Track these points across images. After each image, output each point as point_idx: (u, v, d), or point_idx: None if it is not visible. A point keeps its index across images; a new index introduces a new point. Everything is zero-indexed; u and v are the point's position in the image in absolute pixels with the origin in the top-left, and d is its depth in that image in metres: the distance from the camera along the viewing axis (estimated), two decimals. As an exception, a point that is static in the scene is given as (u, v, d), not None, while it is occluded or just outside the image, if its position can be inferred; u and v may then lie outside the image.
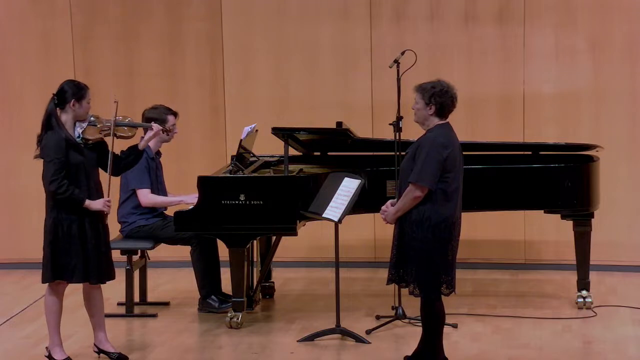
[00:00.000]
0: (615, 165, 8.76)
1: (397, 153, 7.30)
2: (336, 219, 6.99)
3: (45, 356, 6.74)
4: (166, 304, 8.21)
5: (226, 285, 7.89)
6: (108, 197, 6.58)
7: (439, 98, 6.19)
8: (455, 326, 7.39)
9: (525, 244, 9.18)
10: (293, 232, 7.40)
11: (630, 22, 8.88)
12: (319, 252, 9.16)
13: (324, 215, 7.09)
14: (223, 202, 7.33)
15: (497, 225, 9.08)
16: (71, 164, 6.48)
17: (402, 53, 7.47)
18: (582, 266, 7.85)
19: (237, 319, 7.48)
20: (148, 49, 9.41)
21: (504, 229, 9.13)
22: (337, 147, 8.18)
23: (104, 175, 6.65)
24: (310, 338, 7.18)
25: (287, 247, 8.55)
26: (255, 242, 8.03)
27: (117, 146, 6.77)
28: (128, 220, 7.92)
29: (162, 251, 8.38)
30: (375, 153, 8.13)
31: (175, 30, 9.39)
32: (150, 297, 8.30)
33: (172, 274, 9.10)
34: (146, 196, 7.87)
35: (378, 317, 7.58)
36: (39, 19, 9.42)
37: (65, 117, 6.57)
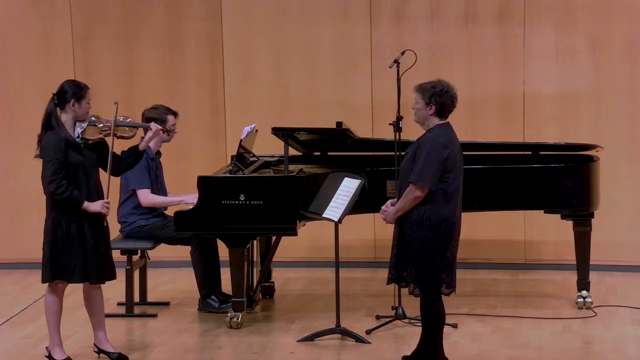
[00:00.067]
0: (615, 165, 8.76)
1: (397, 153, 7.30)
2: (336, 219, 6.99)
3: (45, 356, 6.74)
4: (166, 304, 8.21)
5: (226, 285, 7.89)
6: (107, 198, 6.58)
7: (439, 98, 6.19)
8: (455, 326, 7.39)
9: (525, 244, 9.18)
10: (293, 232, 7.40)
11: (630, 22, 8.88)
12: (319, 252, 9.16)
13: (324, 215, 7.08)
14: (223, 202, 7.33)
15: (497, 225, 9.08)
16: (70, 164, 6.48)
17: (402, 53, 7.47)
18: (582, 266, 7.85)
19: (237, 319, 7.48)
20: (148, 49, 9.41)
21: (504, 229, 9.13)
22: (337, 147, 8.18)
23: (104, 176, 6.65)
24: (310, 338, 7.18)
25: (287, 247, 8.55)
26: (255, 242, 8.03)
27: (118, 146, 6.77)
28: (128, 220, 7.91)
29: (162, 251, 8.38)
30: (375, 153, 8.13)
31: (175, 30, 9.39)
32: (150, 297, 8.30)
33: (172, 274, 9.10)
34: (146, 196, 7.87)
35: (378, 317, 7.58)
36: (39, 19, 9.42)
37: (65, 117, 6.57)
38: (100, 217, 6.57)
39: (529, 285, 8.69)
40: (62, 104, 6.55)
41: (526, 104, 9.05)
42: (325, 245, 8.70)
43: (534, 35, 9.02)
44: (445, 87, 6.23)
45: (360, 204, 7.23)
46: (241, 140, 7.69)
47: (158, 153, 8.06)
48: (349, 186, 7.07)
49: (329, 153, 8.27)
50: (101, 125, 6.63)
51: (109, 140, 6.63)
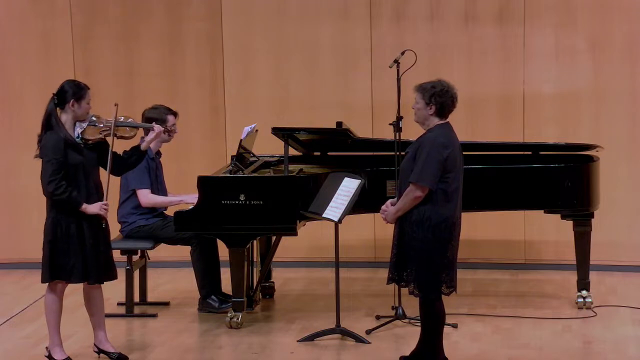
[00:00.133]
0: (615, 165, 8.76)
1: (397, 153, 7.30)
2: (336, 219, 6.99)
3: (45, 356, 6.74)
4: (166, 304, 8.21)
5: (226, 285, 7.89)
6: (106, 199, 6.57)
7: (439, 98, 6.19)
8: (455, 326, 7.39)
9: (525, 244, 9.18)
10: (293, 232, 7.40)
11: (630, 22, 8.88)
12: (319, 252, 9.16)
13: (324, 215, 7.08)
14: (223, 202, 7.33)
15: (497, 225, 9.08)
16: (70, 164, 6.48)
17: (402, 53, 7.47)
18: (582, 266, 7.85)
19: (237, 319, 7.48)
20: (148, 49, 9.41)
21: (504, 229, 9.13)
22: (337, 147, 8.18)
23: (104, 175, 6.65)
24: (310, 338, 7.18)
25: (287, 247, 8.55)
26: (255, 242, 8.03)
27: (119, 147, 6.77)
28: (128, 220, 7.91)
29: (162, 251, 8.38)
30: (375, 153, 8.13)
31: (175, 30, 9.39)
32: (150, 297, 8.30)
33: (172, 274, 9.10)
34: (146, 196, 7.87)
35: (378, 317, 7.58)
36: (39, 19, 9.42)
37: (65, 117, 6.57)
38: (99, 218, 6.57)
39: (529, 285, 8.69)
40: (62, 104, 6.55)
41: (526, 104, 9.05)
42: (325, 245, 8.69)
43: (534, 35, 9.02)
44: (445, 87, 6.23)
45: (360, 204, 7.23)
46: (241, 140, 7.69)
47: (158, 153, 8.06)
48: (349, 186, 7.07)
49: (329, 153, 8.27)
50: (101, 125, 6.62)
51: (109, 140, 6.63)
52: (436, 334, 6.30)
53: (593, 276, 8.07)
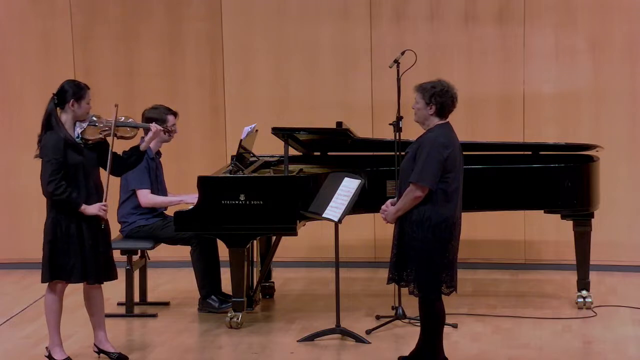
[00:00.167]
0: (615, 165, 8.76)
1: (397, 153, 7.30)
2: (336, 219, 6.99)
3: (45, 356, 6.74)
4: (166, 304, 8.21)
5: (226, 285, 7.89)
6: (105, 200, 6.56)
7: (440, 98, 6.19)
8: (455, 326, 7.39)
9: (525, 244, 9.18)
10: (293, 232, 7.40)
11: (630, 22, 8.88)
12: (319, 252, 9.16)
13: (324, 215, 7.08)
14: (223, 202, 7.33)
15: (497, 225, 9.08)
16: (70, 164, 6.48)
17: (402, 53, 7.47)
18: (582, 266, 7.85)
19: (237, 319, 7.48)
20: (148, 49, 9.41)
21: (504, 229, 9.13)
22: (337, 147, 8.18)
23: (104, 176, 6.64)
24: (310, 338, 7.18)
25: (287, 247, 8.55)
26: (255, 242, 8.03)
27: (119, 147, 6.76)
28: (128, 220, 7.91)
29: (162, 251, 8.38)
30: (375, 153, 8.13)
31: (175, 30, 9.39)
32: (150, 297, 8.30)
33: (172, 274, 9.10)
34: (146, 196, 7.87)
35: (378, 317, 7.58)
36: (39, 19, 9.42)
37: (65, 117, 6.57)
38: (98, 219, 6.56)
39: (529, 285, 8.69)
40: (62, 104, 6.55)
41: (526, 104, 9.05)
42: (325, 245, 8.69)
43: (534, 35, 9.02)
44: (445, 87, 6.23)
45: (360, 204, 7.23)
46: (241, 140, 7.68)
47: (158, 153, 8.06)
48: (349, 186, 7.07)
49: (329, 153, 8.27)
50: (101, 125, 6.62)
51: (109, 140, 6.62)
52: (436, 334, 6.30)
53: (593, 276, 8.07)
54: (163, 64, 9.41)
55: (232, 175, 7.56)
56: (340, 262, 7.20)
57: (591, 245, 7.84)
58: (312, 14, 9.27)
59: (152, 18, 9.40)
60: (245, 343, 7.18)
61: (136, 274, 8.04)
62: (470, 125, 9.00)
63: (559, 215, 7.85)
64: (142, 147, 6.78)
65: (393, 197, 6.44)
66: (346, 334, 7.16)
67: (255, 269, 8.20)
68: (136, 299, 8.06)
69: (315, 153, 8.29)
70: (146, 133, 6.95)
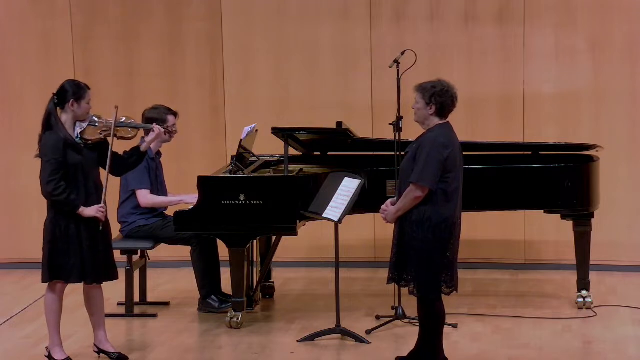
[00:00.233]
0: (615, 165, 8.76)
1: (397, 153, 7.30)
2: (336, 219, 6.99)
3: (45, 356, 6.74)
4: (166, 304, 8.21)
5: (226, 285, 7.89)
6: (103, 202, 6.55)
7: (440, 98, 6.19)
8: (455, 326, 7.39)
9: (525, 244, 9.18)
10: (293, 232, 7.40)
11: (630, 22, 8.88)
12: (319, 252, 9.16)
13: (324, 215, 7.08)
14: (223, 202, 7.33)
15: (497, 225, 9.08)
16: (69, 164, 6.47)
17: (402, 53, 7.47)
18: (582, 266, 7.85)
19: (237, 319, 7.48)
20: (148, 49, 9.41)
21: (504, 229, 9.13)
22: (337, 147, 8.18)
23: (105, 176, 6.65)
24: (310, 338, 7.18)
25: (287, 247, 8.55)
26: (255, 242, 8.03)
27: (119, 147, 6.76)
28: (128, 220, 7.91)
29: (162, 251, 8.38)
30: (375, 153, 8.13)
31: (175, 30, 9.39)
32: (150, 297, 8.30)
33: (172, 274, 9.10)
34: (145, 197, 7.87)
35: (378, 317, 7.58)
36: (39, 19, 9.42)
37: (65, 117, 6.56)
38: (96, 219, 6.55)
39: (529, 285, 8.69)
40: (62, 104, 6.55)
41: (526, 104, 9.05)
42: (325, 245, 8.69)
43: (534, 35, 9.02)
44: (445, 87, 6.23)
45: (360, 204, 7.23)
46: (241, 140, 7.68)
47: (158, 153, 8.06)
48: (349, 186, 7.07)
49: (329, 153, 8.27)
50: (102, 125, 6.62)
51: (109, 140, 6.62)
52: (436, 334, 6.30)
53: (593, 276, 8.07)
54: (163, 64, 9.41)
55: (232, 175, 7.56)
56: (340, 262, 7.20)
57: (591, 245, 7.84)
58: (312, 14, 9.27)
59: (152, 18, 9.40)
60: (245, 343, 7.18)
61: (136, 274, 8.04)
62: (470, 125, 9.00)
63: (559, 215, 7.85)
64: (142, 148, 6.78)
65: (393, 197, 6.44)
66: (346, 334, 7.16)
67: (255, 269, 8.20)
68: (136, 299, 8.06)
69: (315, 153, 8.29)
70: (146, 134, 6.95)
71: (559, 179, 7.68)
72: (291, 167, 7.77)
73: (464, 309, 7.83)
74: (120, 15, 9.40)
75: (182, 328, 7.58)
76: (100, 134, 6.60)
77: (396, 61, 7.44)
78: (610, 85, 8.93)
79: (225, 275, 7.74)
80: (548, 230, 8.99)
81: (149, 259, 8.24)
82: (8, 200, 9.55)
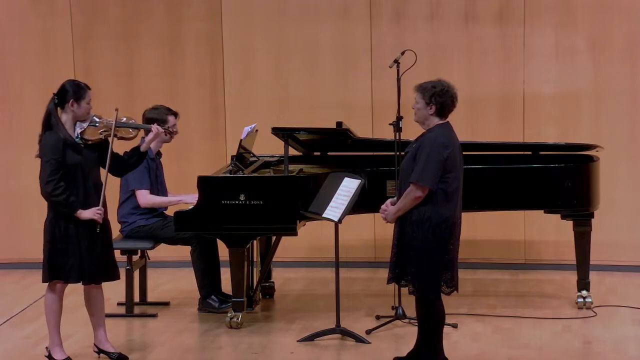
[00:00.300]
0: (615, 165, 8.76)
1: (397, 153, 7.30)
2: (336, 219, 6.99)
3: (45, 356, 6.74)
4: (166, 304, 8.21)
5: (226, 285, 7.89)
6: (101, 204, 6.53)
7: (440, 98, 6.19)
8: (455, 326, 7.39)
9: (525, 244, 9.18)
10: (293, 232, 7.40)
11: (630, 22, 8.88)
12: (319, 252, 9.16)
13: (324, 215, 7.08)
14: (223, 202, 7.33)
15: (497, 225, 9.08)
16: (68, 165, 6.47)
17: (402, 53, 7.47)
18: (582, 266, 7.85)
19: (237, 319, 7.48)
20: (148, 49, 9.41)
21: (504, 229, 9.13)
22: (337, 147, 8.18)
23: (110, 178, 6.65)
24: (310, 338, 7.18)
25: (287, 247, 8.55)
26: (255, 242, 8.03)
27: (119, 147, 6.76)
28: (128, 220, 7.91)
29: (162, 251, 8.38)
30: (375, 153, 8.13)
31: (175, 30, 9.39)
32: (150, 297, 8.30)
33: (172, 274, 9.10)
34: (145, 197, 7.86)
35: (378, 317, 7.58)
36: (39, 19, 9.42)
37: (66, 117, 6.56)
38: (94, 221, 6.54)
39: (529, 285, 8.69)
40: (62, 104, 6.55)
41: (526, 104, 9.05)
42: (325, 245, 8.69)
43: (534, 35, 9.02)
44: (445, 86, 6.23)
45: (360, 204, 7.23)
46: (241, 140, 7.68)
47: (158, 153, 8.06)
48: (349, 186, 7.07)
49: (329, 153, 8.27)
50: (102, 125, 6.62)
51: (110, 141, 6.61)
52: (436, 334, 6.30)
53: (593, 276, 8.07)
54: (163, 64, 9.41)
55: (232, 175, 7.56)
56: (340, 262, 7.20)
57: (591, 245, 7.84)
58: (312, 14, 9.27)
59: (152, 18, 9.40)
60: (245, 343, 7.18)
61: (136, 274, 8.04)
62: (470, 125, 9.00)
63: (559, 215, 7.85)
64: (142, 148, 6.78)
65: (393, 197, 6.44)
66: (346, 334, 7.16)
67: (255, 269, 8.20)
68: (136, 299, 8.06)
69: (315, 153, 8.29)
70: (147, 134, 6.94)
71: (559, 179, 7.68)
72: (291, 167, 7.77)
73: (464, 309, 7.83)
74: (120, 15, 9.40)
75: (182, 328, 7.59)
76: (101, 134, 6.60)
77: (396, 61, 7.44)
78: (610, 85, 8.93)
79: (225, 275, 7.74)
80: (548, 230, 8.99)
81: (149, 259, 8.24)
82: (8, 200, 9.55)
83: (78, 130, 6.57)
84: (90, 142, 6.59)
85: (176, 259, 8.94)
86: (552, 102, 9.03)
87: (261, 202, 7.31)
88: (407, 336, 7.12)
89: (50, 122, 6.52)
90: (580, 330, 7.35)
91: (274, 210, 7.32)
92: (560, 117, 9.02)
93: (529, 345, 7.03)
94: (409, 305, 7.30)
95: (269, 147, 8.22)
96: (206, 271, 7.88)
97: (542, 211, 7.84)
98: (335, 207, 7.03)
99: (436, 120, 6.23)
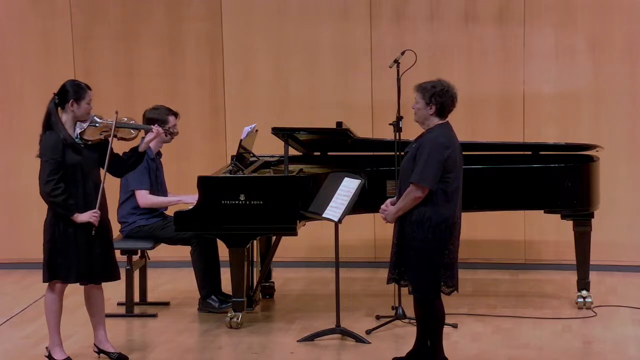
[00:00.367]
0: (615, 165, 8.76)
1: (397, 153, 7.30)
2: (336, 219, 6.99)
3: (45, 356, 6.74)
4: (166, 304, 8.21)
5: (226, 285, 7.89)
6: (97, 208, 6.52)
7: (440, 98, 6.20)
8: (455, 326, 7.39)
9: (525, 244, 9.18)
10: (293, 232, 7.40)
11: (630, 22, 8.88)
12: (319, 252, 9.16)
13: (324, 215, 7.08)
14: (223, 202, 7.33)
15: (497, 225, 9.08)
16: (68, 165, 6.47)
17: (402, 53, 7.47)
18: (582, 266, 7.85)
19: (237, 319, 7.48)
20: (148, 49, 9.41)
21: (504, 229, 9.13)
22: (337, 147, 8.18)
23: (110, 178, 6.65)
24: (310, 338, 7.18)
25: (287, 247, 8.55)
26: (255, 242, 8.03)
27: (119, 148, 6.76)
28: (128, 221, 7.91)
29: (162, 251, 8.38)
30: (375, 153, 8.13)
31: (175, 30, 9.39)
32: (150, 297, 8.30)
33: (172, 274, 9.10)
34: (144, 197, 7.86)
35: (378, 317, 7.58)
36: (39, 19, 9.42)
37: (66, 117, 6.56)
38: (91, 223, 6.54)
39: (529, 285, 8.69)
40: (62, 104, 6.55)
41: (526, 104, 9.05)
42: (325, 245, 8.69)
43: (534, 35, 9.02)
44: (445, 86, 6.23)
45: (360, 204, 7.23)
46: (241, 140, 7.68)
47: (159, 154, 8.06)
48: (349, 186, 7.07)
49: (329, 153, 8.27)
50: (102, 126, 6.62)
51: (110, 141, 6.61)
52: (436, 333, 6.31)
53: (593, 276, 8.07)
54: (163, 64, 9.41)
55: (232, 175, 7.56)
56: (340, 262, 7.20)
57: (591, 245, 7.84)
58: (312, 14, 9.27)
59: (152, 18, 9.40)
60: (245, 343, 7.18)
61: (136, 274, 8.04)
62: (470, 125, 9.00)
63: (559, 215, 7.85)
64: (140, 148, 6.76)
65: (393, 197, 6.44)
66: (346, 334, 7.16)
67: (255, 269, 8.20)
68: (136, 299, 8.06)
69: (315, 153, 8.29)
70: (147, 134, 6.94)
71: (559, 179, 7.68)
72: (291, 167, 7.77)
73: (464, 309, 7.83)
74: (120, 15, 9.40)
75: (182, 328, 7.59)
76: (101, 134, 6.60)
77: (396, 61, 7.44)
78: (610, 85, 8.93)
79: (225, 275, 7.74)
80: (548, 230, 8.99)
81: (149, 259, 8.24)
82: (8, 200, 9.55)
83: (78, 131, 6.57)
84: (90, 143, 6.58)
85: (176, 259, 8.94)
86: (552, 102, 9.03)
87: (261, 202, 7.31)
88: (407, 336, 7.12)
89: (50, 122, 6.52)
90: (580, 330, 7.35)
91: (274, 210, 7.32)
92: (560, 117, 9.02)
93: (529, 345, 7.03)
94: (409, 305, 7.28)
95: (269, 147, 8.22)
96: (206, 271, 7.88)
97: (542, 211, 7.84)
98: (335, 207, 7.03)
99: (436, 120, 6.23)
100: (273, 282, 8.48)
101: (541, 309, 7.84)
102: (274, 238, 7.97)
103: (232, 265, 7.44)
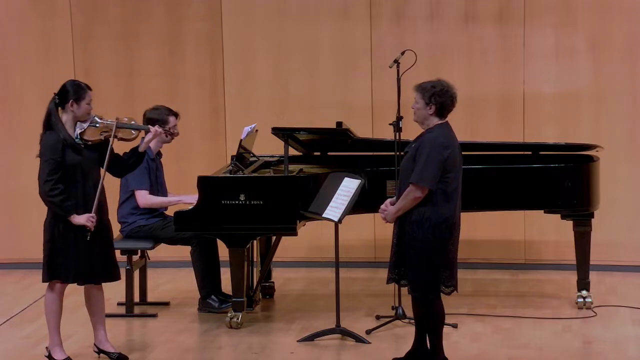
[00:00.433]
0: (615, 165, 8.76)
1: (397, 153, 7.30)
2: (336, 219, 6.99)
3: (45, 356, 6.74)
4: (166, 304, 8.21)
5: (226, 285, 7.89)
6: (93, 211, 6.52)
7: (439, 98, 6.20)
8: (455, 326, 7.39)
9: (525, 244, 9.18)
10: (293, 232, 7.40)
11: (630, 22, 8.88)
12: (319, 252, 9.16)
13: (324, 215, 7.08)
14: (223, 202, 7.33)
15: (497, 225, 9.08)
16: (68, 165, 6.47)
17: (402, 53, 7.47)
18: (582, 266, 7.85)
19: (237, 319, 7.48)
20: (148, 49, 9.41)
21: (504, 229, 9.13)
22: (337, 147, 8.18)
23: (110, 179, 6.64)
24: (310, 338, 7.18)
25: (287, 247, 8.55)
26: (255, 242, 8.03)
27: (119, 148, 6.76)
28: (128, 221, 7.91)
29: (162, 251, 8.38)
30: (375, 153, 8.13)
31: (175, 30, 9.39)
32: (150, 297, 8.30)
33: (172, 274, 9.10)
34: (144, 197, 7.86)
35: (378, 317, 7.58)
36: (39, 19, 9.42)
37: (66, 117, 6.56)
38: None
39: (529, 285, 8.69)
40: (63, 104, 6.55)
41: (526, 104, 9.05)
42: (325, 245, 8.70)
43: (534, 35, 9.02)
44: (445, 86, 6.24)
45: (360, 204, 7.23)
46: (241, 140, 7.68)
47: (159, 154, 8.06)
48: (349, 186, 7.07)
49: (329, 153, 8.27)
50: (102, 126, 6.61)
51: (110, 141, 6.60)
52: (436, 333, 6.31)
53: (593, 276, 8.07)
54: (163, 64, 9.41)
55: (232, 175, 7.56)
56: (340, 262, 7.20)
57: (591, 245, 7.84)
58: (312, 14, 9.27)
59: (152, 18, 9.40)
60: (245, 343, 7.18)
61: (136, 274, 8.04)
62: (470, 125, 9.00)
63: (559, 215, 7.85)
64: (140, 149, 6.76)
65: (392, 197, 6.44)
66: (346, 334, 7.16)
67: (255, 269, 8.20)
68: (136, 299, 8.06)
69: (315, 153, 8.29)
70: (147, 134, 6.94)
71: (559, 179, 7.68)
72: (291, 167, 7.77)
73: (464, 309, 7.83)
74: (120, 15, 9.40)
75: (182, 328, 7.59)
76: (101, 135, 6.60)
77: (396, 61, 7.45)
78: (610, 85, 8.93)
79: (225, 275, 7.74)
80: (548, 230, 8.99)
81: (149, 259, 8.24)
82: (8, 200, 9.55)
83: (78, 131, 6.57)
84: (90, 143, 6.58)
85: (176, 259, 8.94)
86: (552, 102, 9.03)
87: (261, 202, 7.31)
88: (407, 336, 7.11)
89: (50, 122, 6.52)
90: (580, 330, 7.35)
91: (274, 210, 7.32)
92: (560, 117, 9.02)
93: (529, 345, 7.03)
94: (409, 305, 7.27)
95: (269, 147, 8.22)
96: (206, 271, 7.88)
97: (542, 211, 7.84)
98: (335, 207, 7.03)
99: (435, 120, 6.23)
100: (273, 282, 8.48)
101: (541, 309, 7.84)
102: (274, 238, 7.97)
103: (232, 265, 7.44)
